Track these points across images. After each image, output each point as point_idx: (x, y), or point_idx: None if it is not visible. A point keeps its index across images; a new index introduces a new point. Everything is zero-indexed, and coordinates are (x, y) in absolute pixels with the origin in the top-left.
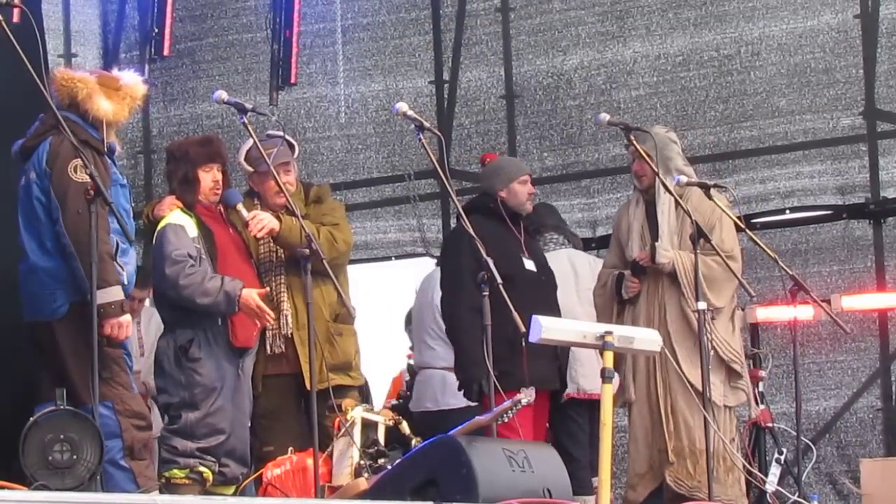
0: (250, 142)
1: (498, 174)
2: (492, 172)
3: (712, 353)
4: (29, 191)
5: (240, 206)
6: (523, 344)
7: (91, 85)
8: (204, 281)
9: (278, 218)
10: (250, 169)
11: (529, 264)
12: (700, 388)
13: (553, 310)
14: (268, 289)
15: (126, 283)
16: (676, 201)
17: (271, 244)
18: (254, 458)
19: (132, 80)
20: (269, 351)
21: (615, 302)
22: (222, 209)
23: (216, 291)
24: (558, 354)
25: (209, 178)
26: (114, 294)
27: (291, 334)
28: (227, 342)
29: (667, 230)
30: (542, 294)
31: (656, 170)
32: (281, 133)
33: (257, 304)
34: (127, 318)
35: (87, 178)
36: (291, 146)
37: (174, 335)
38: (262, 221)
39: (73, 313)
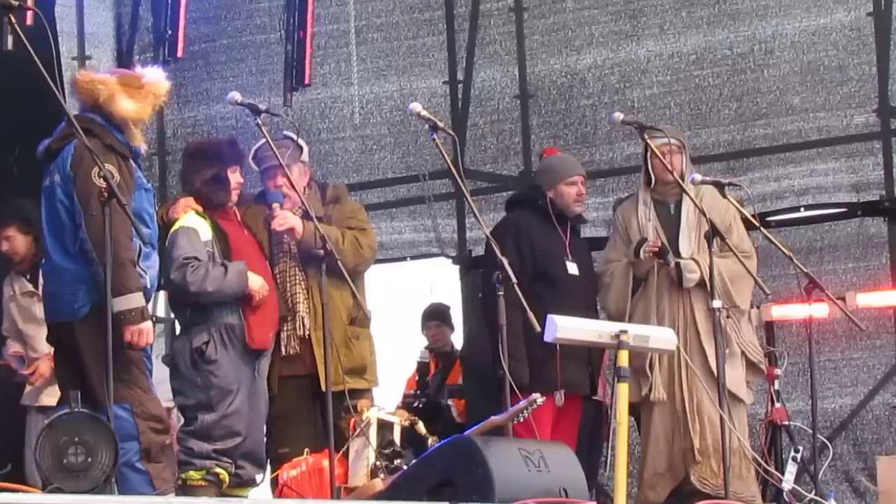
0: (258, 143)
1: (547, 173)
2: (543, 170)
3: (741, 354)
4: (52, 193)
5: (275, 206)
6: (558, 346)
7: (112, 85)
8: (208, 271)
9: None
10: (256, 168)
11: (572, 267)
12: (732, 389)
13: (591, 313)
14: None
15: (149, 286)
16: (694, 202)
17: (286, 245)
18: (269, 459)
19: (155, 77)
20: (283, 352)
21: (629, 280)
22: (237, 210)
23: (222, 275)
24: (591, 360)
25: (234, 178)
26: (135, 301)
27: (308, 335)
28: (244, 344)
29: (687, 230)
30: (581, 297)
31: (670, 168)
32: (291, 135)
33: (261, 283)
34: (148, 324)
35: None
36: (300, 147)
37: (189, 337)
38: (285, 217)
39: (95, 314)
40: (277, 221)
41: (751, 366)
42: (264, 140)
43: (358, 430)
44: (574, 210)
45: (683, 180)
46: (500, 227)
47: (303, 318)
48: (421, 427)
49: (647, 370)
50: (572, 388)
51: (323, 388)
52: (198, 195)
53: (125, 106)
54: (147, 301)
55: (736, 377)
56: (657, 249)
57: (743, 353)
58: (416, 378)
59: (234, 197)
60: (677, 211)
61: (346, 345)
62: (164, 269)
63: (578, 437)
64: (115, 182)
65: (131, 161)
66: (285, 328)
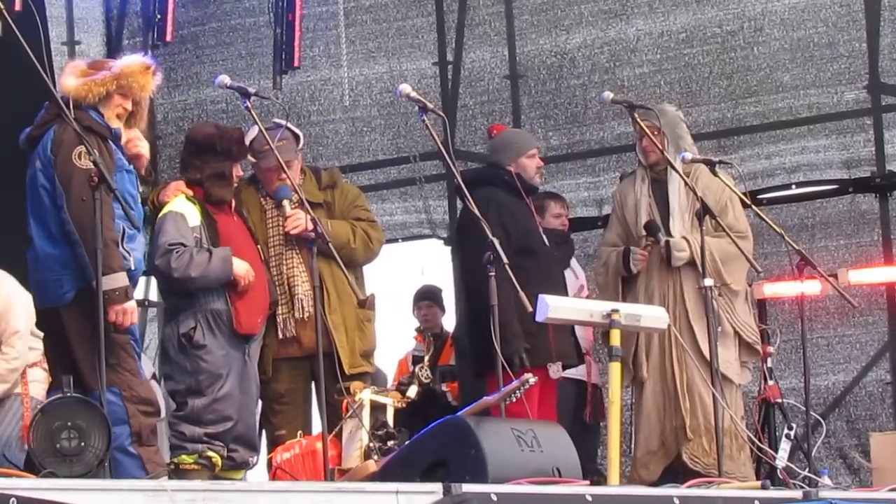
0: (255, 130)
1: (506, 148)
2: (500, 146)
3: (733, 334)
4: (35, 179)
5: (285, 203)
6: None
7: (68, 68)
8: (192, 257)
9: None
10: (252, 159)
11: (544, 238)
12: (721, 368)
13: (562, 281)
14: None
15: (134, 268)
16: (684, 179)
17: (281, 227)
18: (267, 441)
19: (122, 62)
20: (280, 335)
21: (619, 277)
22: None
23: (206, 261)
24: (574, 330)
25: (235, 173)
26: (118, 280)
27: (307, 317)
28: (231, 329)
29: (678, 209)
30: (556, 267)
31: (661, 147)
32: (280, 122)
33: (246, 269)
34: (132, 304)
35: (91, 165)
36: (297, 137)
37: (177, 322)
38: (298, 220)
39: (80, 299)
40: (291, 223)
41: (746, 346)
42: (259, 131)
43: (350, 412)
44: (536, 182)
45: (662, 159)
46: (479, 206)
47: (301, 300)
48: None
49: (631, 363)
50: (564, 359)
51: (321, 370)
52: (197, 184)
53: (66, 83)
54: (133, 284)
55: (727, 357)
56: (645, 259)
57: (736, 333)
58: (410, 368)
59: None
60: (661, 189)
61: (359, 328)
62: (149, 255)
63: (562, 419)
64: (102, 166)
65: (110, 142)
66: (281, 311)
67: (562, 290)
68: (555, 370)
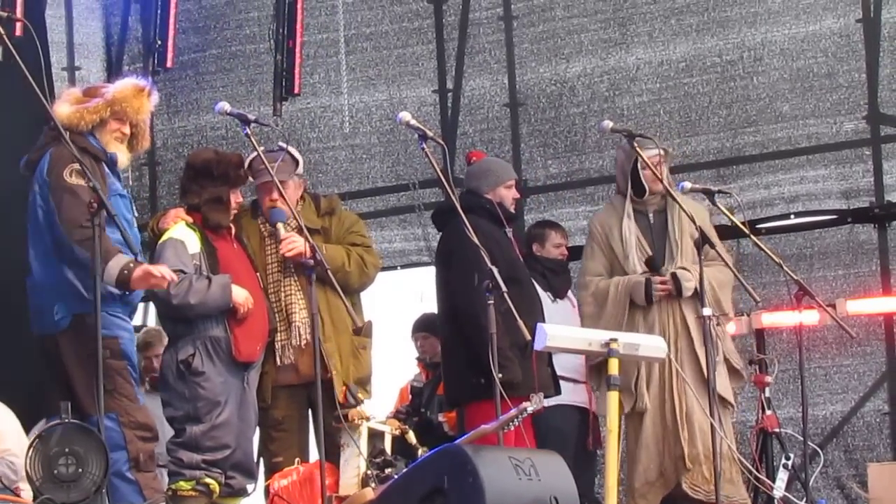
0: (253, 154)
1: (486, 176)
2: (479, 173)
3: (723, 360)
4: (33, 202)
5: (280, 226)
6: (534, 349)
7: (64, 95)
8: (192, 284)
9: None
10: (252, 179)
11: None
12: (723, 394)
13: (542, 311)
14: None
15: (134, 294)
16: (685, 212)
17: (280, 254)
18: (265, 468)
19: (116, 86)
20: (278, 362)
21: (625, 309)
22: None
23: (205, 288)
24: (551, 361)
25: (234, 199)
26: (118, 262)
27: (304, 345)
28: (230, 356)
29: (676, 239)
30: (537, 296)
31: (660, 176)
32: (287, 147)
33: (245, 296)
34: (147, 266)
35: (83, 182)
36: (296, 161)
37: (176, 349)
38: (294, 243)
39: (76, 325)
40: (286, 246)
41: (734, 372)
42: (257, 153)
43: (344, 440)
44: (512, 212)
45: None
46: (457, 237)
47: (299, 327)
48: (411, 436)
49: (633, 388)
50: (545, 390)
51: (320, 397)
52: (196, 210)
53: (59, 110)
54: (133, 310)
55: (723, 382)
56: (667, 287)
57: (726, 359)
58: (410, 398)
59: (231, 218)
60: (658, 220)
61: (354, 355)
62: None
63: (566, 446)
64: (97, 185)
65: (104, 166)
66: (279, 338)
67: (542, 320)
68: (536, 401)
